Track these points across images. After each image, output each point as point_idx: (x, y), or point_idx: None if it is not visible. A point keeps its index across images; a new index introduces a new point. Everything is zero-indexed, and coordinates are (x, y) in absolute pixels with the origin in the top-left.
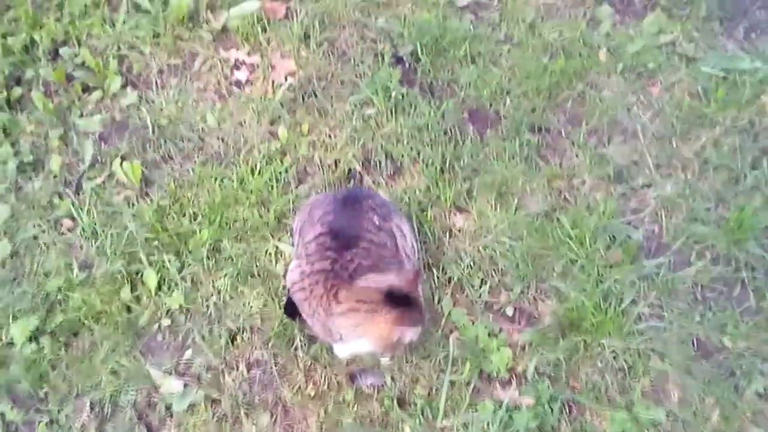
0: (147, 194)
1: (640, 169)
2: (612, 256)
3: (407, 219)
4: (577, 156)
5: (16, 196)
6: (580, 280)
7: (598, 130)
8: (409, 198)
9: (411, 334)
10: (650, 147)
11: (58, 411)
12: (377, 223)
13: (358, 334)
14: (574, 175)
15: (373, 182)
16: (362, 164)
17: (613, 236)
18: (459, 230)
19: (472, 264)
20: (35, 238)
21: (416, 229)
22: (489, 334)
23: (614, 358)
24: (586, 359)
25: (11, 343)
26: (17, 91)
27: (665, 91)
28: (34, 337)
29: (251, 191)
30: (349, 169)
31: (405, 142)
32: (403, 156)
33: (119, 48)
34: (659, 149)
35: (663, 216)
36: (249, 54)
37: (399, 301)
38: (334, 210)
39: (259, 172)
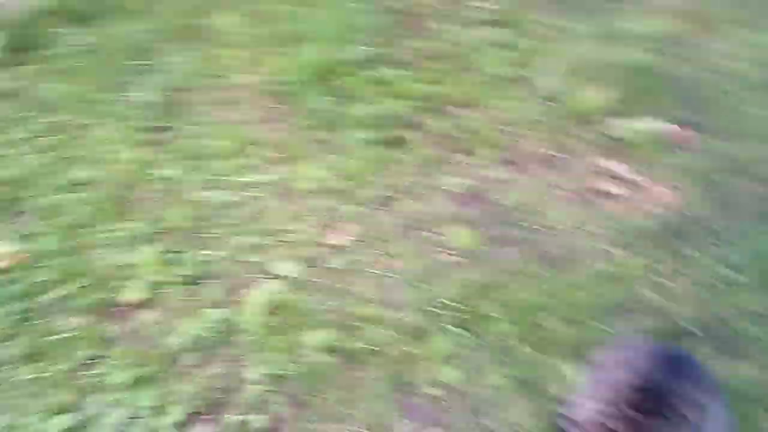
0: (472, 265)
1: None
2: None
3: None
4: None
5: (365, 220)
6: None
7: None
8: (743, 391)
9: None
10: None
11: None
12: (694, 397)
13: None
14: None
15: (706, 355)
16: (702, 328)
17: None
18: None
19: None
20: None
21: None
22: None
23: None
24: None
25: (305, 346)
26: (408, 134)
27: None
28: (328, 350)
29: (566, 304)
30: (684, 327)
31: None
32: (758, 339)
33: (509, 122)
34: None
35: None
36: (630, 171)
37: None
38: (648, 359)
39: (583, 288)
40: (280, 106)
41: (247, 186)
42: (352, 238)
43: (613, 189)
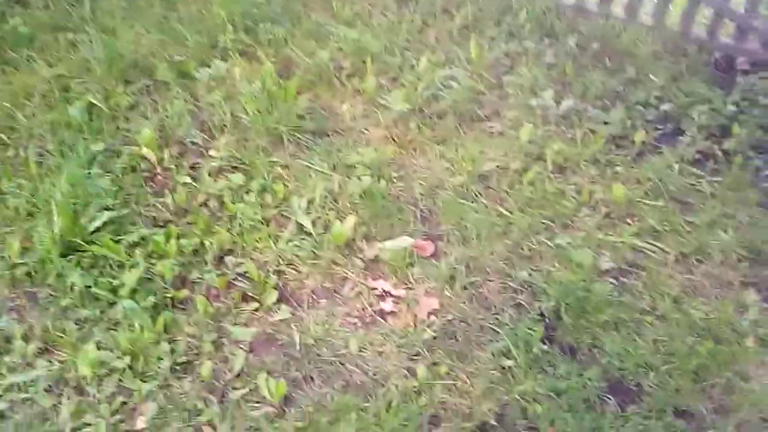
0: (285, 414)
1: None
2: None
3: None
4: None
5: (165, 394)
6: None
7: (748, 422)
8: None
9: None
10: None
11: None
12: None
13: None
14: None
15: None
16: (497, 419)
17: None
18: None
19: None
20: None
21: None
22: None
23: None
24: None
25: None
26: (183, 293)
27: None
28: None
29: (385, 429)
30: (483, 423)
31: (542, 403)
32: (539, 418)
33: (279, 263)
34: None
35: None
36: (395, 286)
37: None
38: None
39: (395, 410)
40: (31, 289)
41: (12, 389)
42: (146, 419)
43: (388, 306)
